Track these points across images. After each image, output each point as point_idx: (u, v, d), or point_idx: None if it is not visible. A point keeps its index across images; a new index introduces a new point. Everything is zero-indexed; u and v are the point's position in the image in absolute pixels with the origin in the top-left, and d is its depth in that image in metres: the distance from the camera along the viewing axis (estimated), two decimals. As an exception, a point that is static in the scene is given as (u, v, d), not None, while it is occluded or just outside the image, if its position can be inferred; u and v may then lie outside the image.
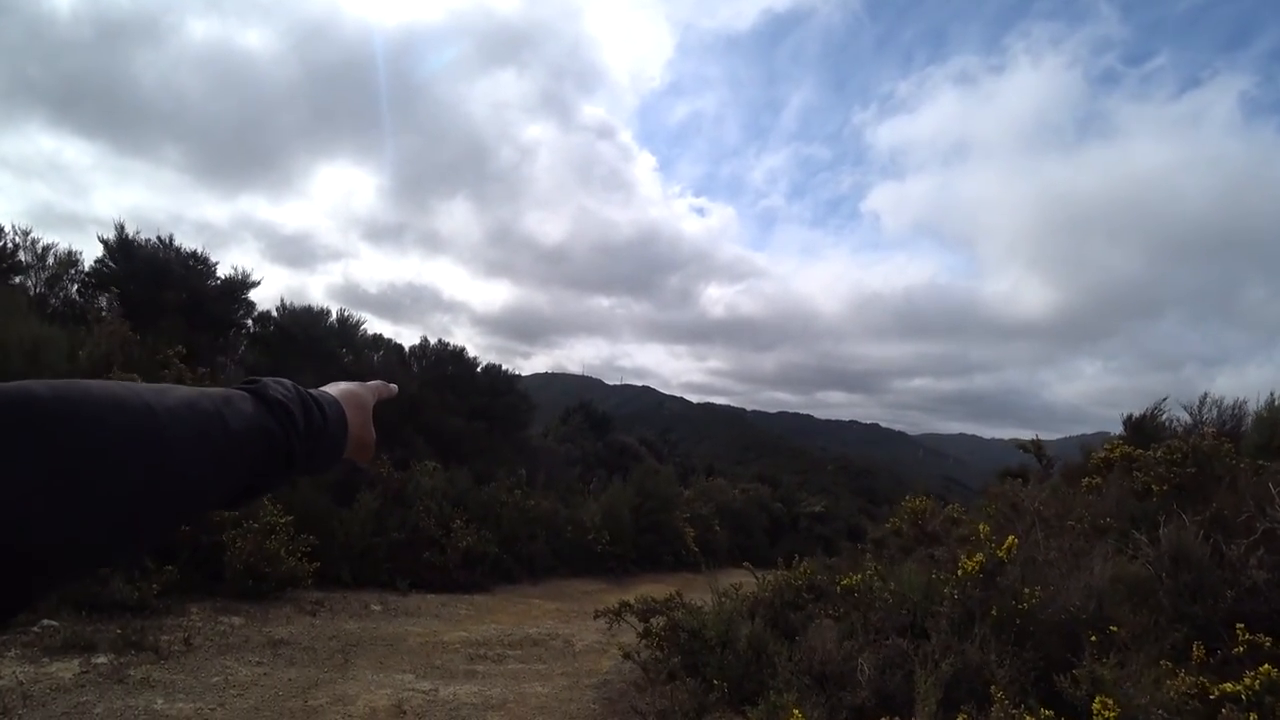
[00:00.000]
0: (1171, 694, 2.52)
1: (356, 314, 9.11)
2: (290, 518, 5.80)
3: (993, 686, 2.99)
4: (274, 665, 4.75)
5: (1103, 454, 4.53)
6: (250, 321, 9.28)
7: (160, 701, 3.93)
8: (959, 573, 3.55)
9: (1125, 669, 2.77)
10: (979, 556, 3.50)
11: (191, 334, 7.53)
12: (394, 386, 0.88)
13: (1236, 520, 3.42)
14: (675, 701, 4.02)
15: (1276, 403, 4.28)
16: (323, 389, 0.71)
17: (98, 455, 0.41)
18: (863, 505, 17.81)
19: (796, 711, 2.98)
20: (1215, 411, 4.73)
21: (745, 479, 14.88)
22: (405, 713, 4.25)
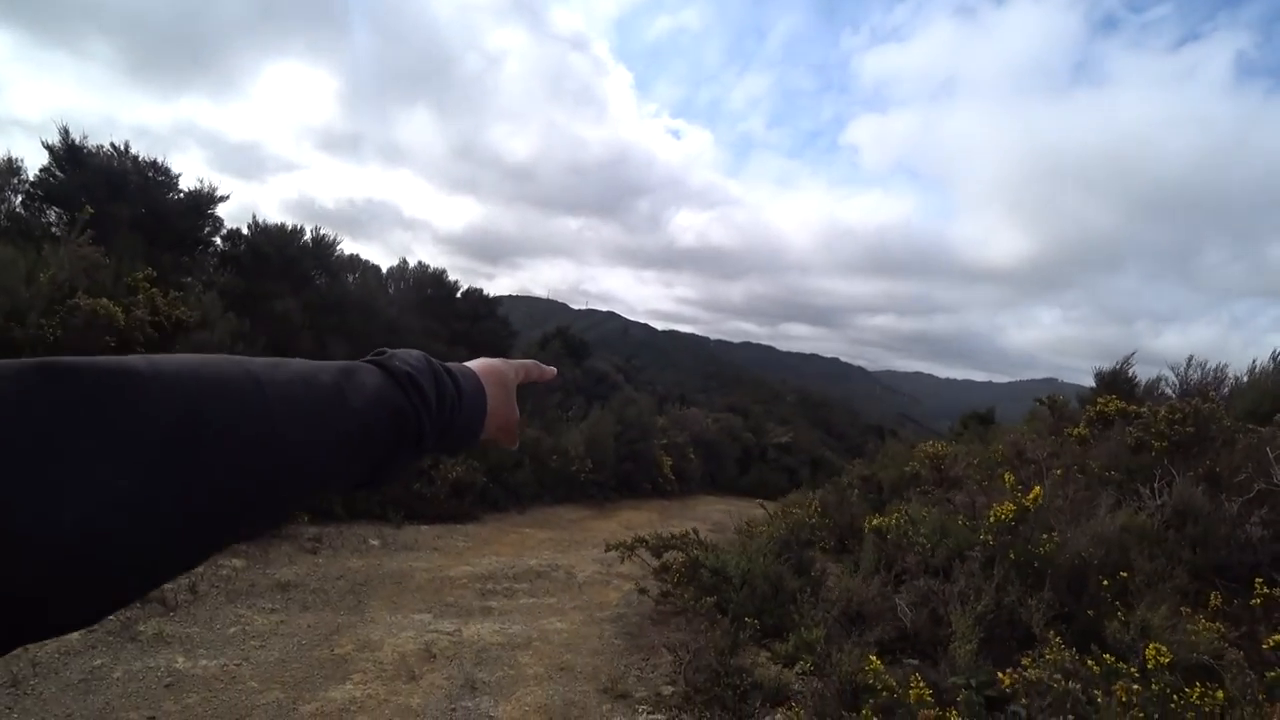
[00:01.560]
0: (1216, 642, 2.82)
1: (331, 232, 8.52)
2: None
3: (1047, 630, 3.28)
4: (288, 611, 4.66)
5: (1096, 408, 4.85)
6: (219, 240, 8.49)
7: (181, 659, 3.79)
8: (991, 519, 3.80)
9: (1153, 613, 3.08)
10: (1010, 505, 3.75)
11: (153, 253, 6.82)
12: (551, 369, 0.81)
13: (1234, 480, 3.77)
14: (710, 640, 4.21)
15: (1258, 370, 4.70)
16: (463, 364, 0.67)
17: (199, 444, 0.38)
18: (821, 437, 18.73)
19: (874, 659, 3.16)
20: (1199, 373, 5.14)
21: (717, 409, 15.28)
22: (434, 656, 4.28)
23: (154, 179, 7.96)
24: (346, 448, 0.49)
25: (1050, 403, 5.04)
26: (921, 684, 2.92)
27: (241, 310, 6.73)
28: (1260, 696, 2.39)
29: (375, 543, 6.17)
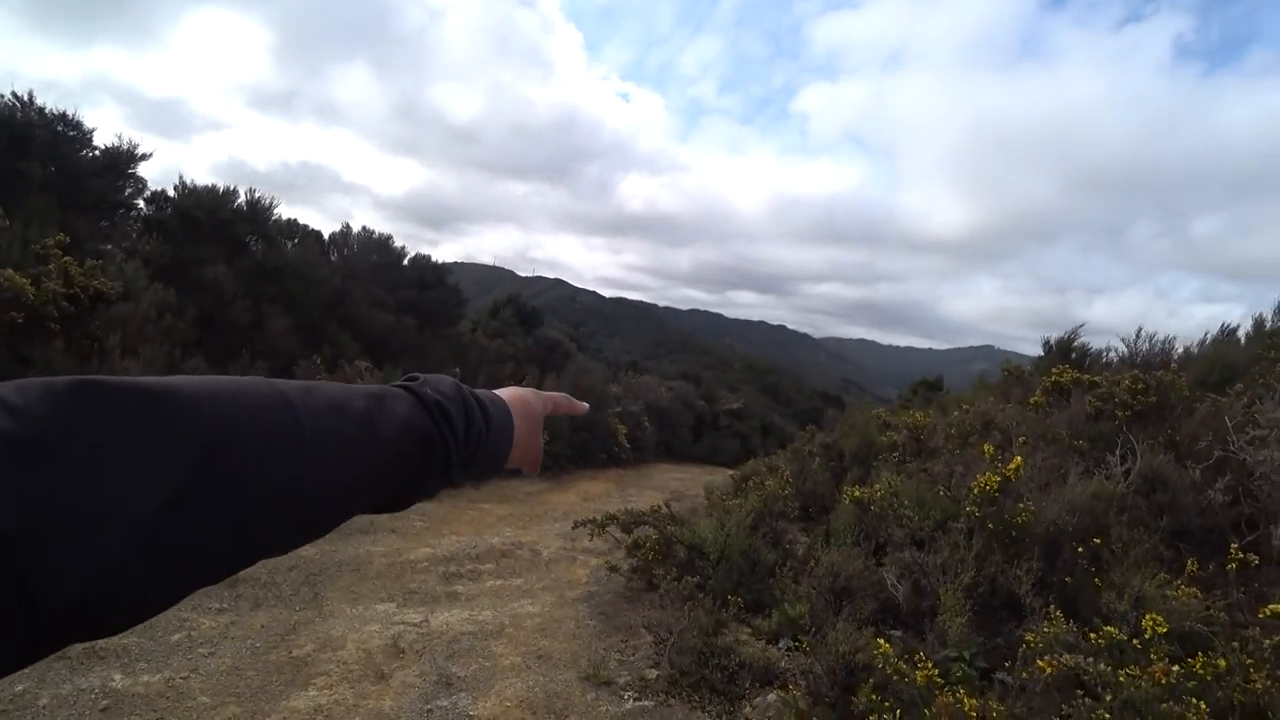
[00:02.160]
0: (1205, 610, 2.90)
1: (268, 195, 7.70)
2: None
3: (1035, 600, 3.33)
4: (238, 610, 4.29)
5: (1052, 377, 4.95)
6: (142, 202, 7.52)
7: (118, 677, 3.42)
8: (974, 490, 3.82)
9: (1148, 583, 3.15)
10: (995, 476, 3.77)
11: (66, 218, 5.98)
12: (583, 405, 0.83)
13: (1194, 447, 3.91)
14: (693, 619, 4.12)
15: (1207, 341, 4.89)
16: (493, 392, 0.67)
17: (235, 465, 0.39)
18: (768, 404, 18.94)
19: (883, 641, 3.12)
20: (1148, 344, 5.32)
21: (669, 376, 15.14)
22: (403, 651, 4.04)
23: (64, 134, 6.96)
24: (375, 473, 0.50)
25: (1016, 373, 5.13)
26: (930, 666, 2.90)
27: (169, 280, 6.04)
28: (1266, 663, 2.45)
29: (325, 528, 5.78)
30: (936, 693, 2.80)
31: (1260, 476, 3.40)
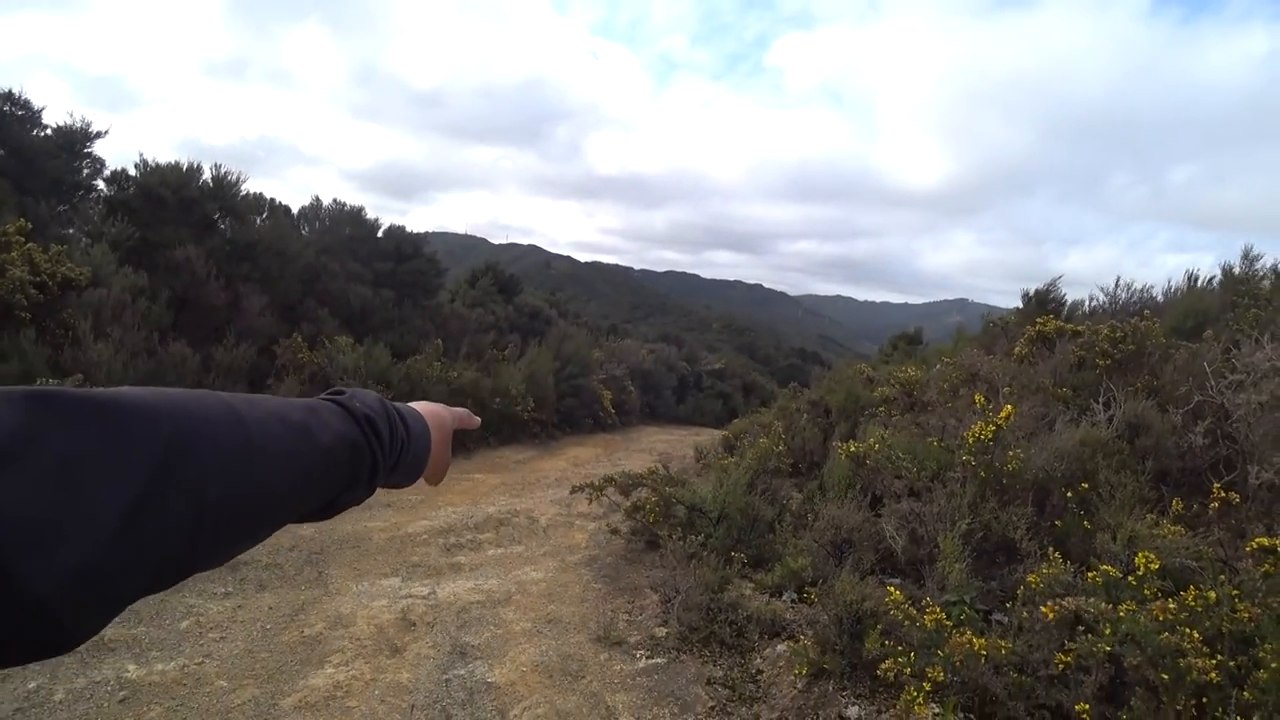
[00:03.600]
0: (1194, 546, 3.06)
1: (235, 170, 7.32)
2: None
3: (1030, 543, 3.47)
4: (243, 593, 4.28)
5: (1036, 328, 5.08)
6: (102, 183, 7.10)
7: (132, 667, 3.39)
8: (970, 440, 3.94)
9: (1140, 523, 3.31)
10: (990, 426, 3.88)
11: (23, 200, 5.63)
12: (477, 419, 0.88)
13: (1174, 393, 4.07)
14: (699, 577, 4.22)
15: (1179, 292, 5.04)
16: (410, 405, 0.71)
17: (191, 471, 0.41)
18: (747, 363, 19.06)
19: (893, 589, 3.23)
20: (1126, 293, 5.47)
21: (650, 339, 15.09)
22: (414, 624, 4.08)
23: (11, 113, 6.52)
24: (312, 480, 0.53)
25: (1001, 324, 5.25)
26: (937, 610, 3.02)
27: (137, 262, 5.77)
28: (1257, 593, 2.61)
29: (321, 506, 5.73)
30: (946, 634, 2.93)
31: (1238, 419, 3.57)
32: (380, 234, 8.92)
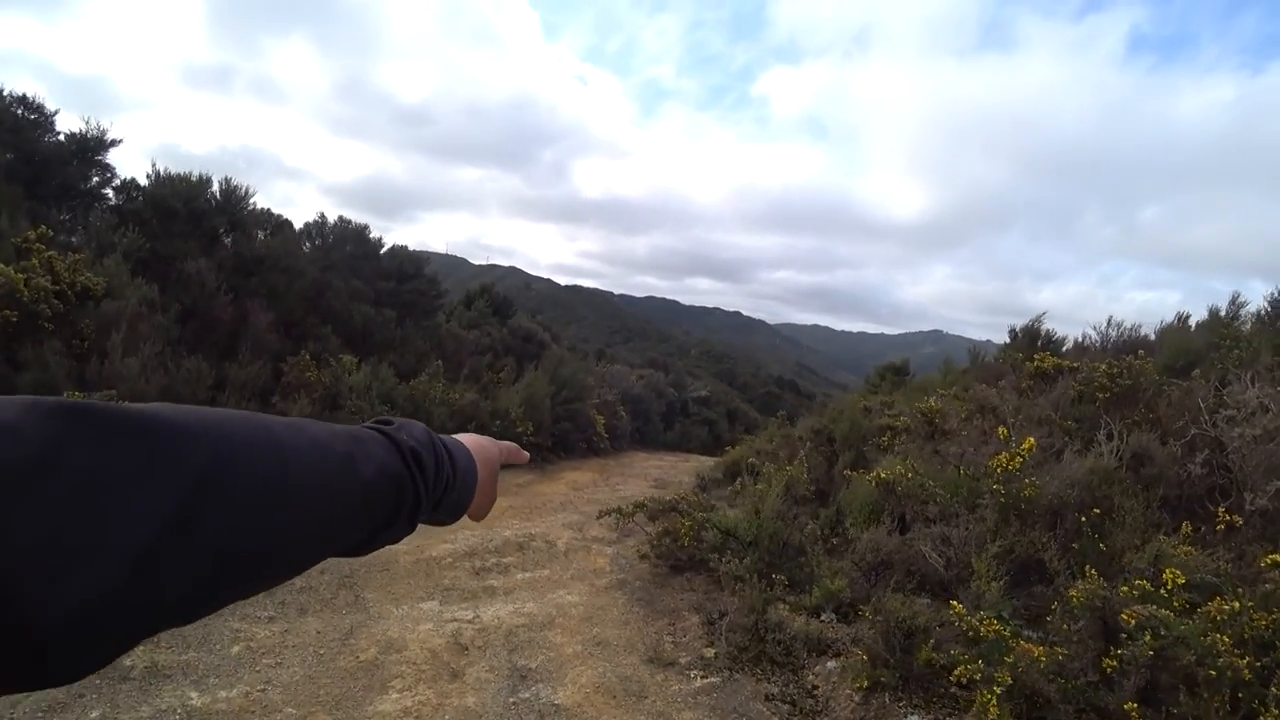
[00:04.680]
0: (1212, 563, 3.44)
1: (244, 183, 7.10)
2: None
3: (1060, 563, 3.80)
4: (286, 617, 4.19)
5: (1034, 364, 5.55)
6: (111, 192, 6.74)
7: (194, 694, 3.30)
8: (996, 469, 4.27)
9: (1166, 542, 3.68)
10: (1018, 455, 4.23)
11: (34, 207, 5.34)
12: (526, 454, 0.86)
13: (1173, 426, 4.53)
14: (744, 599, 4.38)
15: (1165, 328, 5.62)
16: (455, 437, 0.70)
17: (223, 503, 0.40)
18: (726, 389, 19.40)
19: (955, 604, 3.47)
20: (1116, 331, 6.04)
21: (637, 364, 15.24)
22: (466, 648, 4.09)
23: (24, 117, 6.19)
24: (352, 514, 0.51)
25: (1011, 359, 5.69)
26: (992, 622, 3.28)
27: (147, 274, 5.56)
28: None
29: (340, 529, 5.60)
30: (1006, 643, 3.19)
31: (1234, 450, 4.02)
32: (383, 252, 8.84)
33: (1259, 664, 2.94)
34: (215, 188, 7.04)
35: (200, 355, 5.46)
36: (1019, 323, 7.19)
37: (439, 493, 0.62)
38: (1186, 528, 3.83)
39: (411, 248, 10.01)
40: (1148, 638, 3.05)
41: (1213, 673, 2.80)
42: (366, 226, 8.65)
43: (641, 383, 12.25)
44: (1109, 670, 3.12)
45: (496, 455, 0.76)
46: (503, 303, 11.73)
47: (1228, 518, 3.71)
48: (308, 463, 0.47)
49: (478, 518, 0.74)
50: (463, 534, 6.02)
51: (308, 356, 6.21)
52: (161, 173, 6.73)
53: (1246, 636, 3.08)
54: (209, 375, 5.44)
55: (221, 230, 6.91)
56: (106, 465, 0.35)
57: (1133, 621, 2.93)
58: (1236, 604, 3.11)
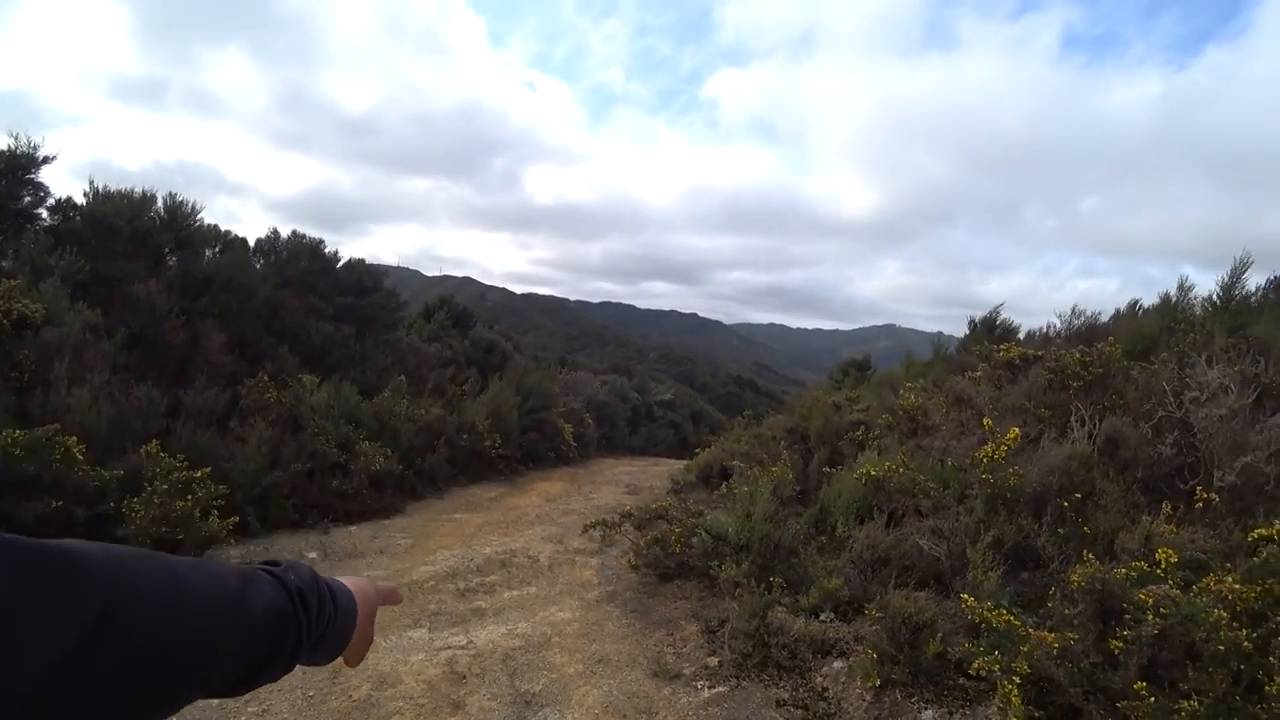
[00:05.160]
0: (1202, 541, 3.56)
1: (190, 198, 6.62)
2: (208, 469, 4.46)
3: (1051, 548, 3.88)
4: (267, 656, 3.91)
5: (1002, 354, 5.70)
6: (46, 212, 6.10)
7: (179, 742, 3.04)
8: (984, 459, 4.35)
9: (1155, 523, 3.79)
10: (1002, 447, 4.32)
11: None
12: (400, 596, 0.90)
13: (1141, 409, 4.72)
14: (745, 604, 4.33)
15: (1122, 316, 5.86)
16: (338, 579, 0.73)
17: (118, 632, 0.42)
18: (686, 391, 19.39)
19: (966, 597, 3.48)
20: (1077, 319, 6.27)
21: (600, 370, 15.06)
22: (464, 677, 3.92)
23: None
24: (238, 649, 0.53)
25: (983, 352, 5.83)
26: (1005, 613, 3.32)
27: (89, 298, 5.11)
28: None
29: (313, 555, 5.31)
30: (1019, 632, 3.23)
31: (1200, 430, 4.20)
32: (340, 266, 8.45)
33: (1255, 635, 3.04)
34: (160, 204, 6.57)
35: (151, 382, 5.09)
36: (972, 314, 7.45)
37: (320, 631, 0.64)
38: (1167, 507, 3.98)
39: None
40: (1151, 617, 3.14)
41: (1220, 647, 2.89)
42: (321, 241, 8.31)
43: (605, 389, 12.18)
44: (1115, 651, 3.19)
45: (375, 597, 0.78)
46: (463, 314, 11.46)
47: (1205, 495, 3.86)
48: (202, 600, 0.49)
49: (353, 661, 0.76)
50: (442, 554, 5.80)
51: (266, 378, 5.88)
52: (101, 190, 6.24)
53: (1240, 609, 3.20)
54: (160, 403, 5.07)
55: (167, 249, 6.46)
56: (17, 599, 0.37)
57: (1149, 601, 2.99)
58: (1230, 579, 3.23)
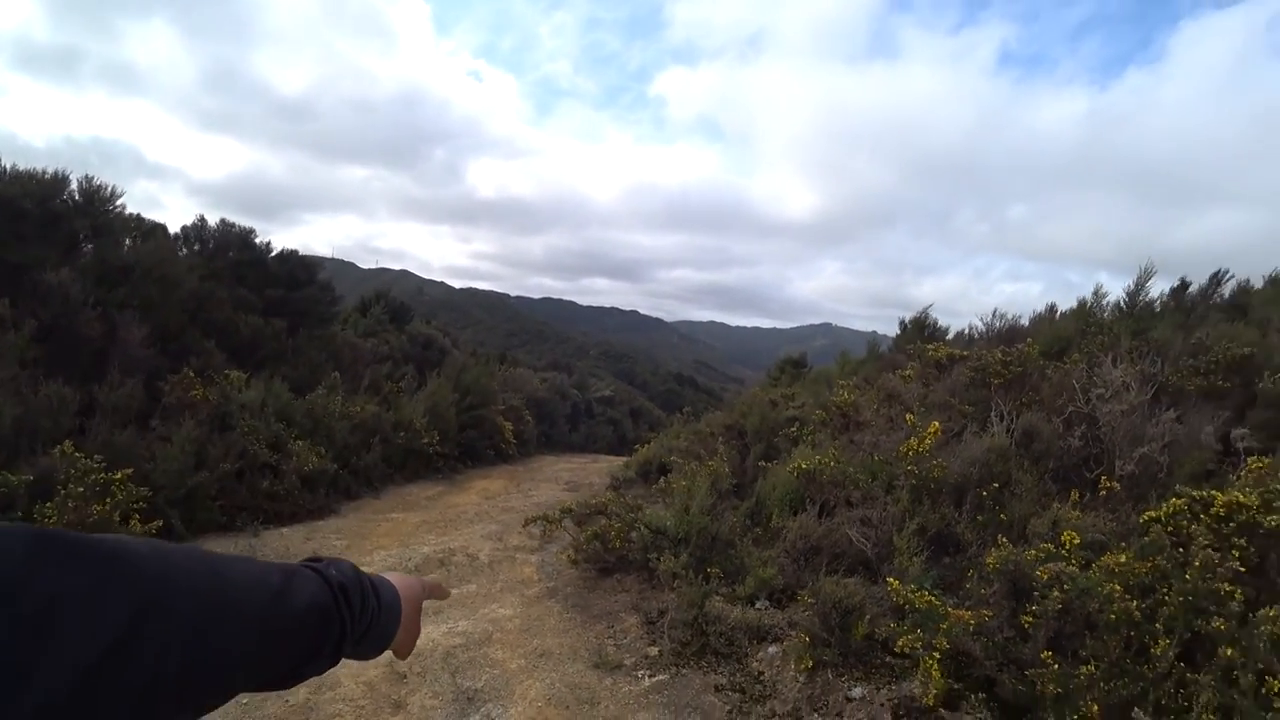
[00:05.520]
0: (1103, 524, 3.86)
1: (109, 182, 6.17)
2: (128, 470, 4.22)
3: (970, 534, 4.12)
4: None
5: (930, 353, 6.01)
6: None
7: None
8: (909, 452, 4.58)
9: (1063, 509, 4.08)
10: (926, 440, 4.56)
11: None
12: (449, 591, 0.92)
13: (1053, 405, 5.06)
14: (684, 595, 4.43)
15: (1039, 318, 6.25)
16: (381, 575, 0.74)
17: (165, 625, 0.43)
18: (626, 389, 19.40)
19: (893, 581, 3.66)
20: (999, 322, 6.65)
21: (540, 367, 14.90)
22: (404, 676, 3.88)
23: None
24: (280, 643, 0.54)
25: (916, 350, 6.11)
26: (925, 593, 3.53)
27: None
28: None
29: (241, 561, 5.10)
30: (941, 611, 3.44)
31: (1105, 424, 4.55)
32: (272, 257, 8.10)
33: (1144, 605, 3.33)
34: (74, 186, 6.16)
35: (63, 378, 4.80)
36: (904, 314, 7.81)
37: (364, 626, 0.65)
38: (1075, 495, 4.29)
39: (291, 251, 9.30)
40: (1055, 592, 3.39)
41: (1112, 616, 3.15)
42: (252, 230, 7.95)
43: (545, 386, 12.14)
44: (1026, 625, 3.43)
45: (420, 592, 0.79)
46: (400, 308, 11.19)
47: (1108, 484, 4.19)
48: (244, 594, 0.50)
49: (402, 653, 0.77)
50: (379, 554, 5.69)
51: (191, 374, 5.62)
52: (7, 169, 5.79)
53: (1132, 583, 3.49)
54: (74, 400, 4.79)
55: (83, 235, 6.07)
56: (68, 590, 0.38)
57: (1045, 577, 3.23)
58: (1123, 556, 3.51)
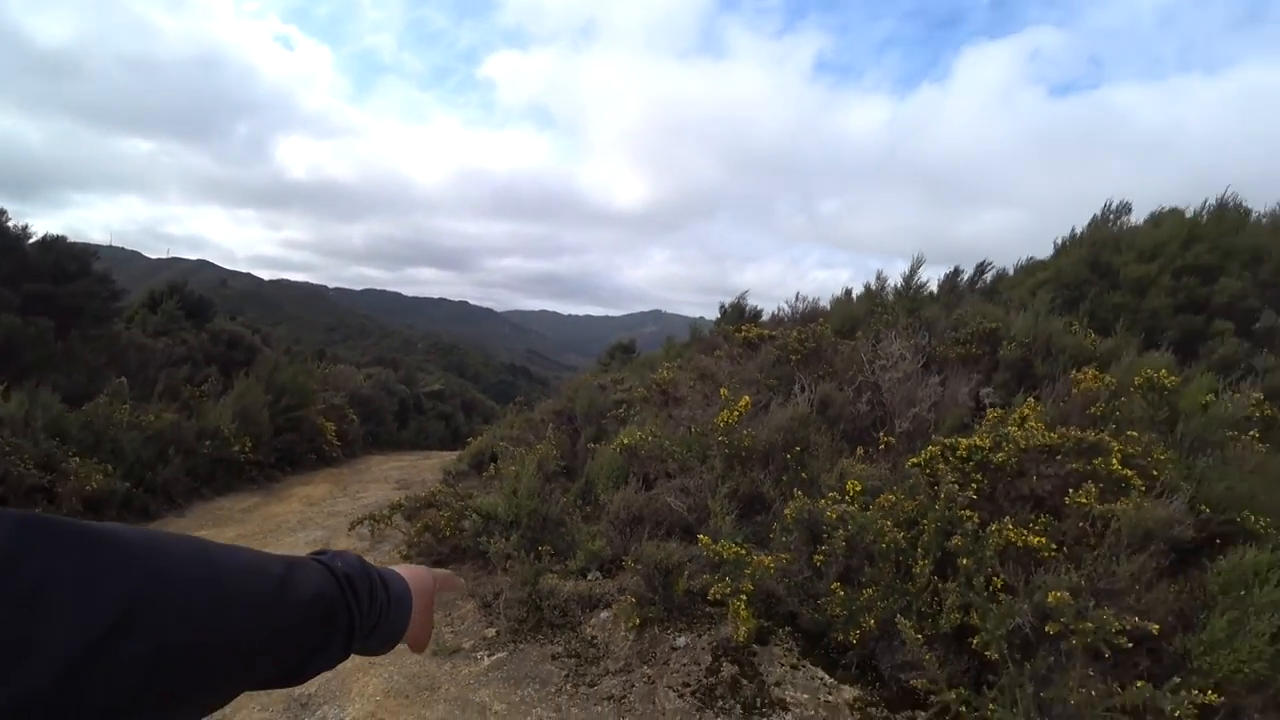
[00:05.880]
0: (876, 469, 4.49)
1: None
2: None
3: (776, 491, 4.60)
4: None
5: (743, 334, 6.59)
6: None
7: None
8: (721, 424, 5.01)
9: (846, 464, 4.68)
10: (736, 413, 5.02)
11: None
12: (461, 581, 0.92)
13: (845, 376, 5.77)
14: (516, 575, 4.53)
15: (836, 300, 7.03)
16: (391, 568, 0.73)
17: (157, 613, 0.41)
18: (458, 381, 18.61)
19: (704, 537, 3.99)
20: (802, 304, 7.36)
21: (364, 363, 13.81)
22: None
23: None
24: (283, 635, 0.52)
25: (723, 332, 6.61)
26: (734, 546, 3.92)
27: None
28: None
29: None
30: (748, 559, 3.85)
31: (886, 390, 5.29)
32: (30, 245, 6.83)
33: (909, 535, 3.95)
34: None
35: None
36: (726, 300, 8.46)
37: (373, 619, 0.63)
38: (860, 451, 4.96)
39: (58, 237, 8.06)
40: (840, 532, 3.92)
41: (884, 546, 3.71)
42: (3, 212, 6.68)
43: (370, 382, 11.52)
44: (819, 564, 3.93)
45: (431, 584, 0.77)
46: (199, 303, 10.00)
47: (887, 440, 4.88)
48: (243, 583, 0.49)
49: (417, 648, 0.75)
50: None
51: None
52: None
53: (901, 518, 4.12)
54: None
55: None
56: (56, 575, 0.37)
57: (834, 516, 3.72)
58: (893, 496, 4.14)
